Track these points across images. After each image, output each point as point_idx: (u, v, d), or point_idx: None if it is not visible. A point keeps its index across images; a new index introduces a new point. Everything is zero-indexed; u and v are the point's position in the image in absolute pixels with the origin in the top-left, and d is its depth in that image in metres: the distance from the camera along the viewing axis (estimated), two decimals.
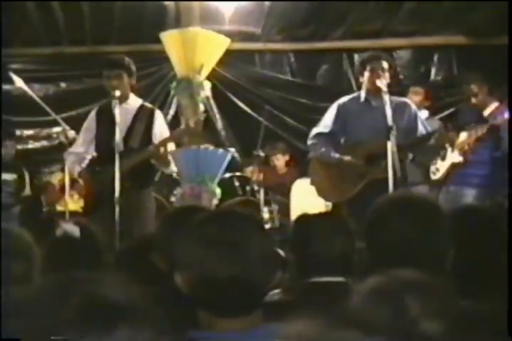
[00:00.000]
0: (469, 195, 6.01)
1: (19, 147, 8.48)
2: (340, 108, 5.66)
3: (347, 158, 5.47)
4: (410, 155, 5.70)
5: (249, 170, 8.36)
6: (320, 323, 1.17)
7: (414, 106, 5.74)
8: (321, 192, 5.87)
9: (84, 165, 5.57)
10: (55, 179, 8.07)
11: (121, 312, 1.10)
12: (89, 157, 5.62)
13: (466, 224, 2.45)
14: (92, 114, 5.68)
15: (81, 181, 5.61)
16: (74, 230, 2.91)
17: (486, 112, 6.11)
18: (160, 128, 5.61)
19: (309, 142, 5.75)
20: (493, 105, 6.13)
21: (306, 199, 6.88)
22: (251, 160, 8.28)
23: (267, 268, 1.80)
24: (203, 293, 1.78)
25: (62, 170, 7.84)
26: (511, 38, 5.98)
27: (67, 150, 5.80)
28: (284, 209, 8.00)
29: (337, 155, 5.52)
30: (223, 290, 1.76)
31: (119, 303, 1.11)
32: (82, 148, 5.61)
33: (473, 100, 6.20)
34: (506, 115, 5.82)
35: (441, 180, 6.17)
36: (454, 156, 6.08)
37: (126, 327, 1.08)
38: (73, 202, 7.70)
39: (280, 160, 8.69)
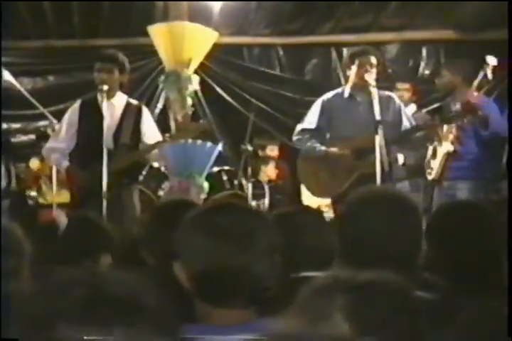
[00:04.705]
0: (463, 189, 5.89)
1: (5, 140, 8.42)
2: (324, 104, 5.68)
3: (333, 149, 5.48)
4: (401, 159, 5.65)
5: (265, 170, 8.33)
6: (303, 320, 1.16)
7: (398, 100, 5.74)
8: (310, 189, 5.87)
9: (67, 159, 5.54)
10: (33, 165, 7.99)
11: (118, 309, 1.09)
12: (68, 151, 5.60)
13: (459, 219, 2.45)
14: (75, 108, 5.60)
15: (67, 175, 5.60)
16: (62, 220, 2.92)
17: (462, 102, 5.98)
18: (149, 126, 5.62)
19: (294, 138, 5.76)
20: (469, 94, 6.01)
21: None
22: (239, 154, 8.28)
23: (271, 260, 1.81)
24: (204, 282, 1.78)
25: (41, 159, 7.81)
26: (511, 35, 5.98)
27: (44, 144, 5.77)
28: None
29: (323, 148, 5.53)
30: (225, 280, 1.76)
31: (117, 299, 1.10)
32: (64, 143, 5.54)
33: (454, 92, 6.10)
34: (479, 100, 5.73)
35: (438, 179, 6.01)
36: (444, 148, 5.96)
37: (124, 324, 1.07)
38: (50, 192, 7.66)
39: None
